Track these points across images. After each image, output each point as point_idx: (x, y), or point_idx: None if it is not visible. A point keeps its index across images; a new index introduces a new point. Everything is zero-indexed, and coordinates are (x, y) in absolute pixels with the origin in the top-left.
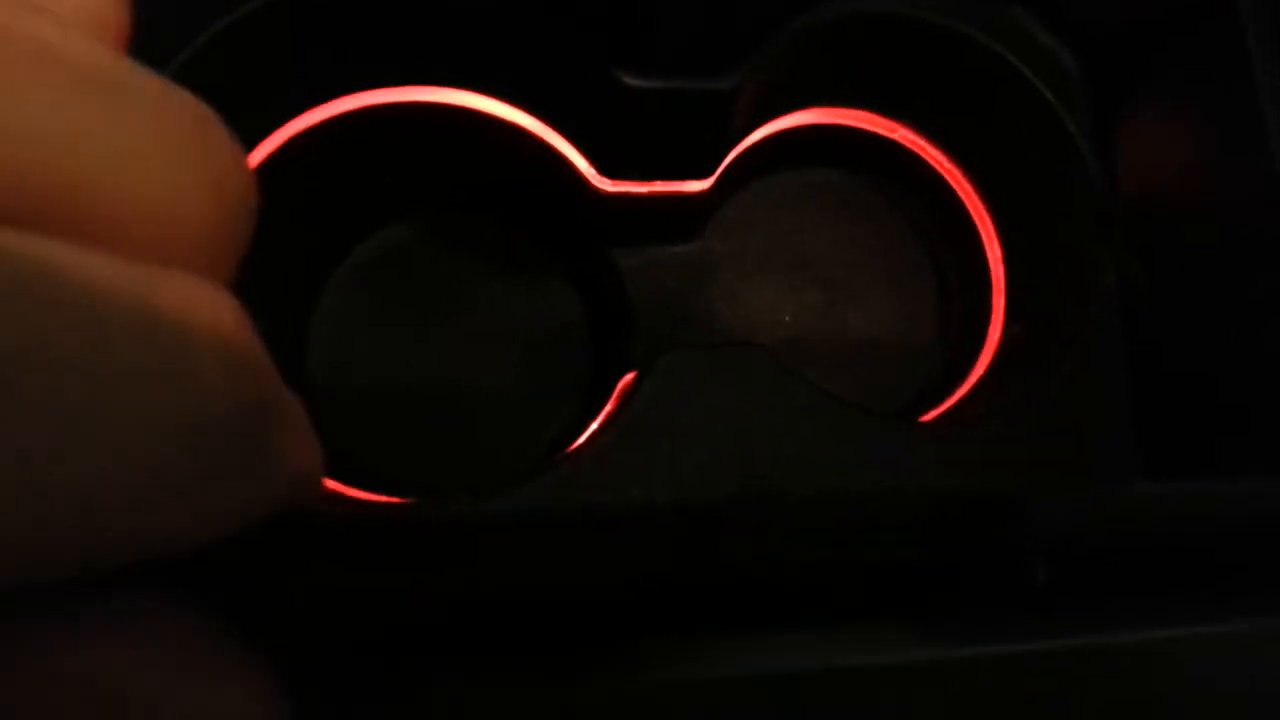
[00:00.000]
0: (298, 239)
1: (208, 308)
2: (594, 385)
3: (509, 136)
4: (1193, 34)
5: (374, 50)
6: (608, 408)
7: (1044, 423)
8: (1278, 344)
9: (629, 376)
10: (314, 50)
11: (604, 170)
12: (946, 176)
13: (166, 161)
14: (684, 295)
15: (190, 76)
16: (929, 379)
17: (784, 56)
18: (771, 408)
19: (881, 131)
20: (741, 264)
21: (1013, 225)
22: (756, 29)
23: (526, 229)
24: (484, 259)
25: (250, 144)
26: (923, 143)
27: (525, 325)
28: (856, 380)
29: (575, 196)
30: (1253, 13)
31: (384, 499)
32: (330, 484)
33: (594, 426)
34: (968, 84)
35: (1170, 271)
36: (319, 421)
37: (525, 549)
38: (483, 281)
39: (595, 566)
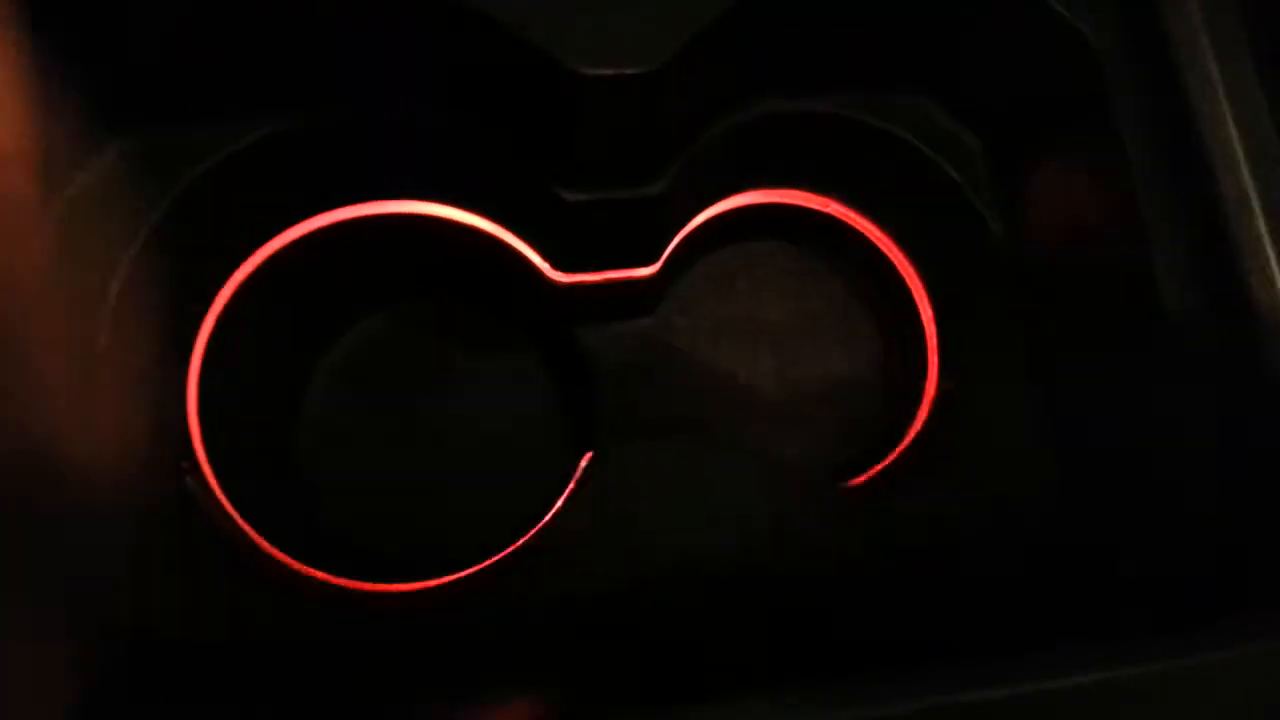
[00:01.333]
0: (288, 334)
1: None
2: (564, 457)
3: (470, 238)
4: (1071, 116)
5: (350, 173)
6: (569, 487)
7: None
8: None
9: (586, 457)
10: (294, 175)
11: (557, 264)
12: (879, 244)
13: None
14: (643, 366)
15: (194, 198)
16: (874, 432)
17: (709, 157)
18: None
19: (816, 206)
20: (696, 333)
21: (938, 288)
22: (680, 136)
23: (496, 314)
24: (458, 343)
25: (244, 257)
26: (854, 215)
27: (498, 401)
28: (808, 435)
29: (534, 286)
30: (1120, 100)
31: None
32: (319, 574)
33: (556, 505)
34: (884, 166)
35: (1067, 310)
36: (310, 499)
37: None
38: (458, 363)
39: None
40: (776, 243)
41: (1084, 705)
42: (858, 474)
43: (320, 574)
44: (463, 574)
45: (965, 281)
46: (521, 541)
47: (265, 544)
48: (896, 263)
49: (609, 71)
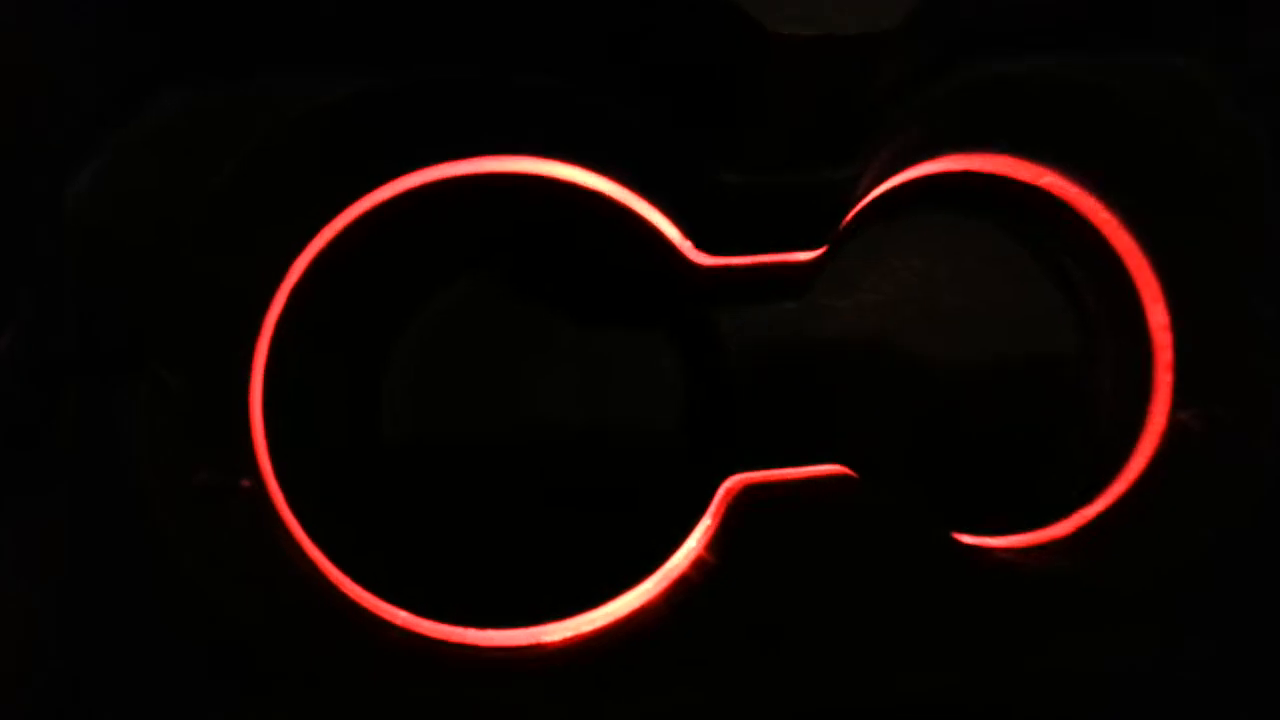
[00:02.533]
0: (373, 311)
1: None
2: (692, 477)
3: (596, 206)
4: None
5: (457, 127)
6: (708, 523)
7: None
8: None
9: (732, 488)
10: (386, 129)
11: (701, 244)
12: (1102, 228)
13: None
14: (790, 363)
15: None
16: (1076, 468)
17: (907, 126)
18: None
19: (1026, 178)
20: (855, 322)
21: (1184, 287)
22: (879, 109)
23: (614, 295)
24: (569, 327)
25: (324, 223)
26: (1074, 191)
27: (615, 403)
28: (986, 469)
29: (668, 267)
30: None
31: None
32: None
33: (693, 543)
34: (1123, 137)
35: None
36: (393, 499)
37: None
38: (567, 352)
39: None
40: (964, 217)
41: None
42: (1056, 516)
43: (403, 615)
44: (566, 623)
45: (1222, 284)
46: (643, 586)
47: (340, 578)
48: (1123, 251)
49: (822, 33)
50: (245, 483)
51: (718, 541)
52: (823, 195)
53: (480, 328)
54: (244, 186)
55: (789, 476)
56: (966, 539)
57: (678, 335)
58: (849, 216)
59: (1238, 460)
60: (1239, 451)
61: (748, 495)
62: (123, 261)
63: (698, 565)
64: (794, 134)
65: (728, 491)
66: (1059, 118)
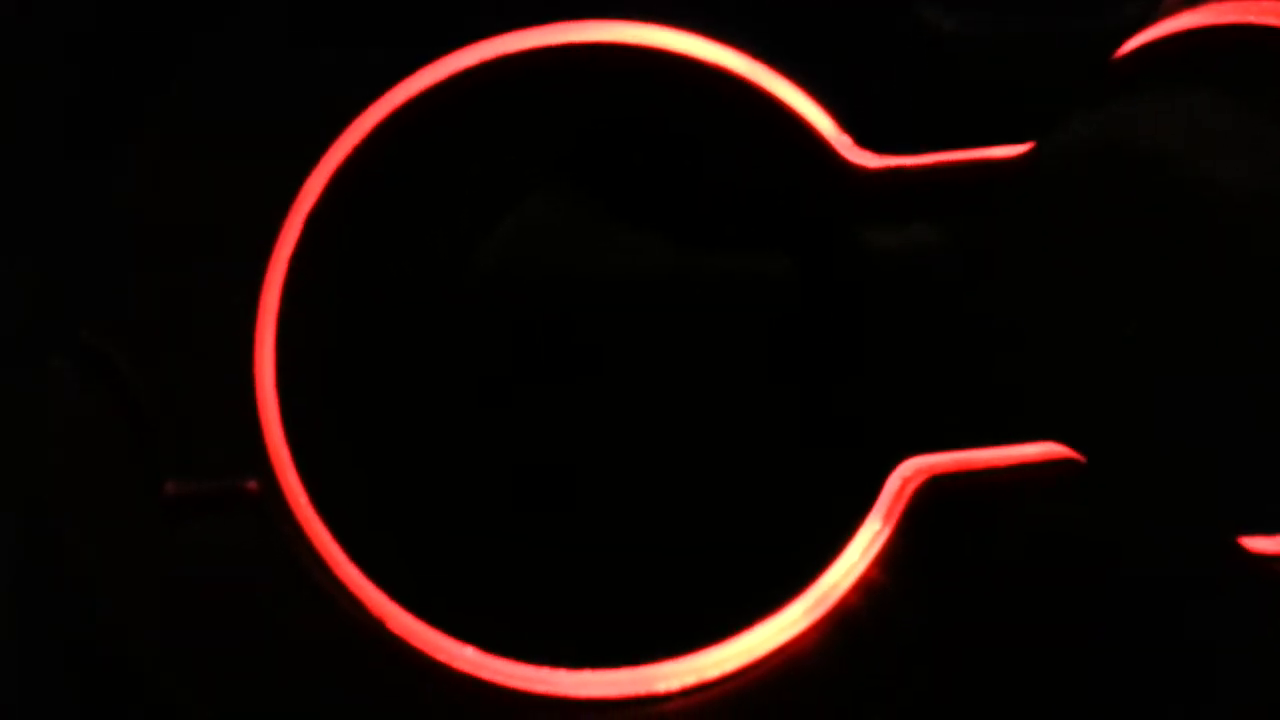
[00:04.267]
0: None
1: None
2: (845, 458)
3: (709, 87)
4: None
5: None
6: (876, 527)
7: None
8: None
9: (910, 478)
10: None
11: (864, 138)
12: None
13: None
14: (976, 303)
15: None
16: None
17: None
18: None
19: None
20: (1068, 243)
21: None
22: None
23: (737, 221)
24: (677, 255)
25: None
26: None
27: (739, 367)
28: (1250, 437)
29: (817, 173)
30: None
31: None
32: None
33: (855, 556)
34: None
35: None
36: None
37: None
38: (673, 292)
39: None
40: (1221, 91)
41: None
42: None
43: (470, 653)
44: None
45: None
46: (786, 614)
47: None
48: None
49: None
50: (250, 485)
51: (892, 553)
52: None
53: (550, 269)
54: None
55: (990, 462)
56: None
57: (822, 267)
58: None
59: None
60: None
61: (934, 489)
62: None
63: (863, 587)
64: None
65: (904, 483)
66: None
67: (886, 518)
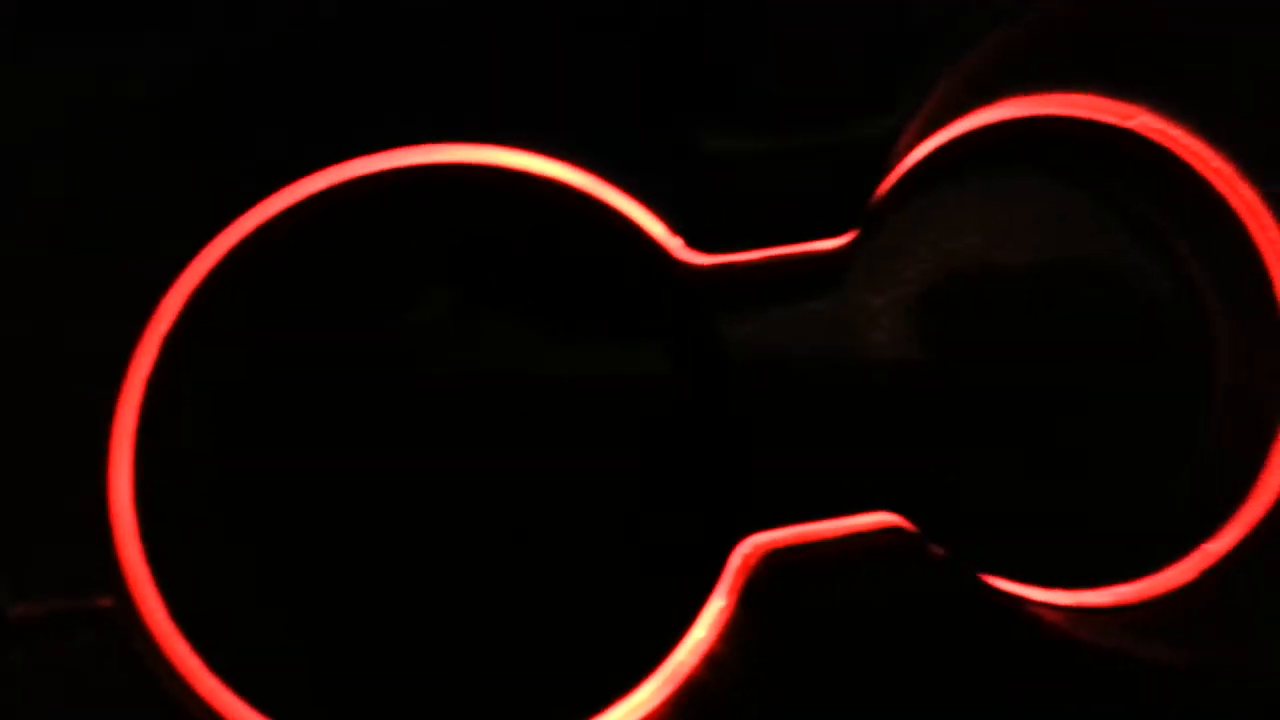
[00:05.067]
0: (277, 351)
1: None
2: (693, 538)
3: (553, 199)
4: None
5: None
6: (721, 603)
7: None
8: None
9: (749, 554)
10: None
11: (694, 240)
12: (1212, 178)
13: None
14: (818, 376)
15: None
16: (1203, 478)
17: (968, 61)
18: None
19: (1112, 120)
20: (902, 317)
21: None
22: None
23: (589, 314)
24: (529, 359)
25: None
26: (1175, 131)
27: (597, 445)
28: (1094, 484)
29: (655, 271)
30: None
31: None
32: None
33: (702, 632)
34: (1246, 59)
35: None
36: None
37: None
38: (527, 392)
39: None
40: (1037, 175)
41: None
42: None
43: None
44: None
45: None
46: (639, 694)
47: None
48: (1242, 207)
49: None
50: (104, 602)
51: (734, 628)
52: (851, 159)
53: (419, 362)
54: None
55: (823, 535)
56: (1076, 599)
57: (669, 358)
58: (885, 188)
59: None
60: None
61: (771, 563)
62: None
63: (710, 661)
64: (803, 69)
65: (744, 560)
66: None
67: (729, 593)
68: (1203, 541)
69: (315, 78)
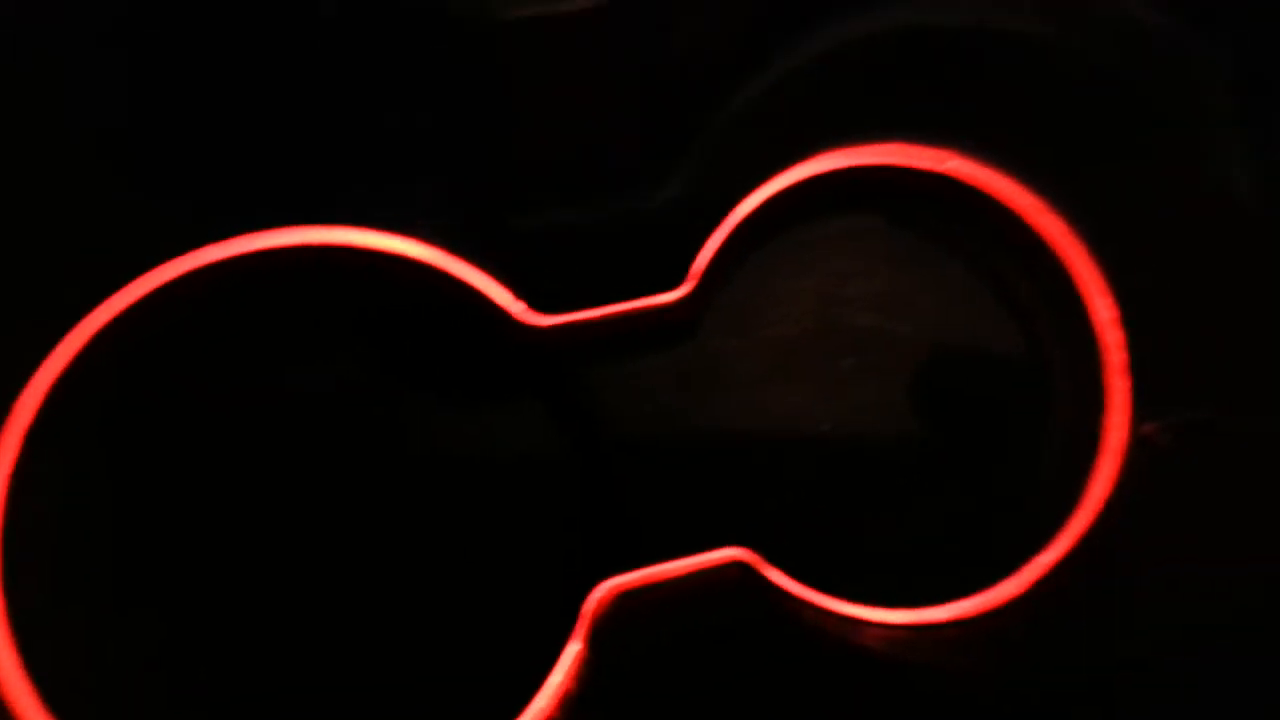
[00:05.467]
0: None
1: None
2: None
3: (401, 274)
4: None
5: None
6: (577, 647)
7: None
8: None
9: (603, 598)
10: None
11: (534, 303)
12: (1024, 215)
13: None
14: (680, 430)
15: None
16: (1035, 497)
17: (760, 119)
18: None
19: (927, 166)
20: (755, 360)
21: (1131, 274)
22: (707, 96)
23: (448, 381)
24: (400, 413)
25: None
26: (986, 174)
27: (463, 501)
28: (935, 506)
29: (503, 334)
30: None
31: None
32: None
33: (560, 676)
34: (1038, 96)
35: None
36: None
37: None
38: (394, 455)
39: None
40: (866, 217)
41: None
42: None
43: None
44: None
45: (1178, 266)
46: None
47: None
48: (1054, 240)
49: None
50: None
51: (588, 670)
52: (648, 224)
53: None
54: None
55: (673, 573)
56: (916, 617)
57: (526, 415)
58: (716, 241)
59: (1217, 477)
60: (1220, 467)
61: (623, 604)
62: None
63: (567, 704)
64: (578, 152)
65: (598, 603)
66: (955, 84)
67: (584, 636)
68: (1034, 555)
69: (170, 163)
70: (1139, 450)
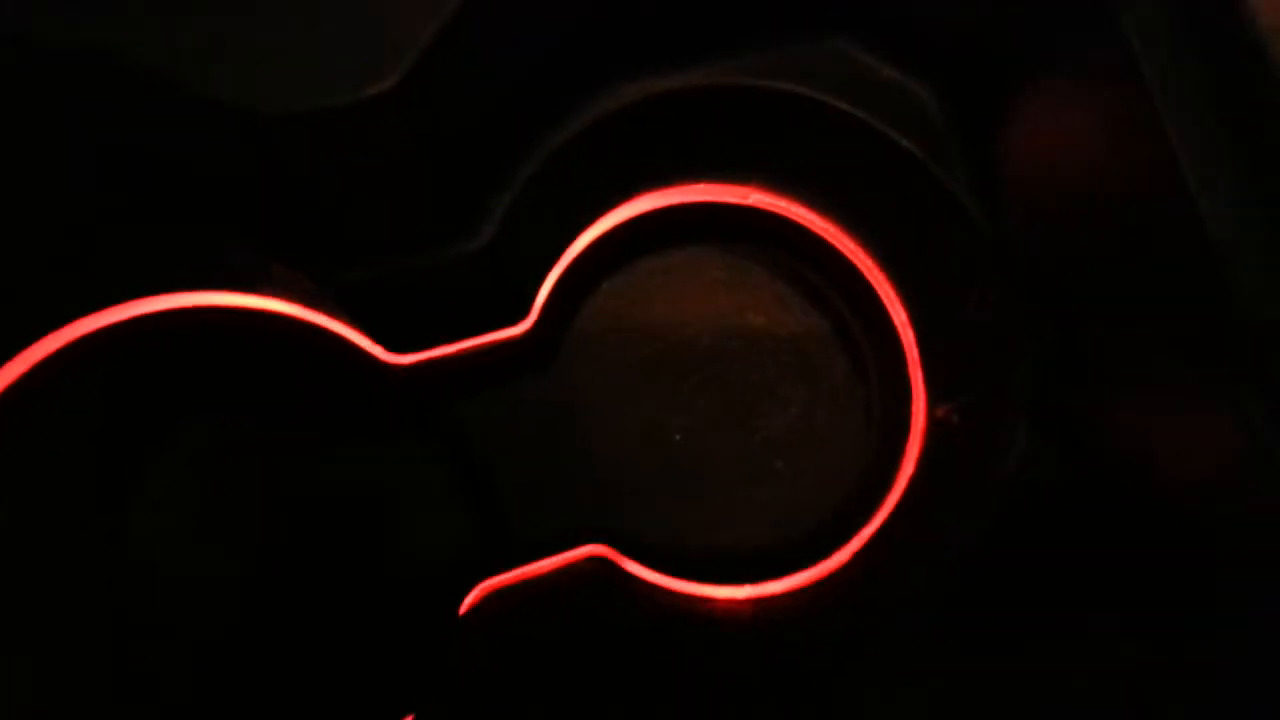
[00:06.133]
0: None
1: None
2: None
3: (271, 327)
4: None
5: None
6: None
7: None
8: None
9: (474, 599)
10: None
11: (390, 345)
12: (823, 235)
13: None
14: (543, 446)
15: None
16: (856, 477)
17: (565, 170)
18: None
19: (733, 200)
20: (609, 384)
21: (910, 282)
22: (498, 155)
23: (323, 425)
24: (296, 459)
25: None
26: (783, 203)
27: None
28: (774, 494)
29: (369, 375)
30: (1137, 21)
31: None
32: None
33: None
34: (809, 137)
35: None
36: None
37: None
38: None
39: None
40: (694, 248)
41: None
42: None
43: None
44: None
45: (943, 273)
46: None
47: None
48: (850, 254)
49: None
50: None
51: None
52: (470, 269)
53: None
54: None
55: (540, 570)
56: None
57: (397, 445)
58: (551, 279)
59: (992, 446)
60: (993, 438)
61: (493, 602)
62: None
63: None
64: (383, 211)
65: (470, 604)
66: (738, 127)
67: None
68: (860, 528)
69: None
70: (934, 428)
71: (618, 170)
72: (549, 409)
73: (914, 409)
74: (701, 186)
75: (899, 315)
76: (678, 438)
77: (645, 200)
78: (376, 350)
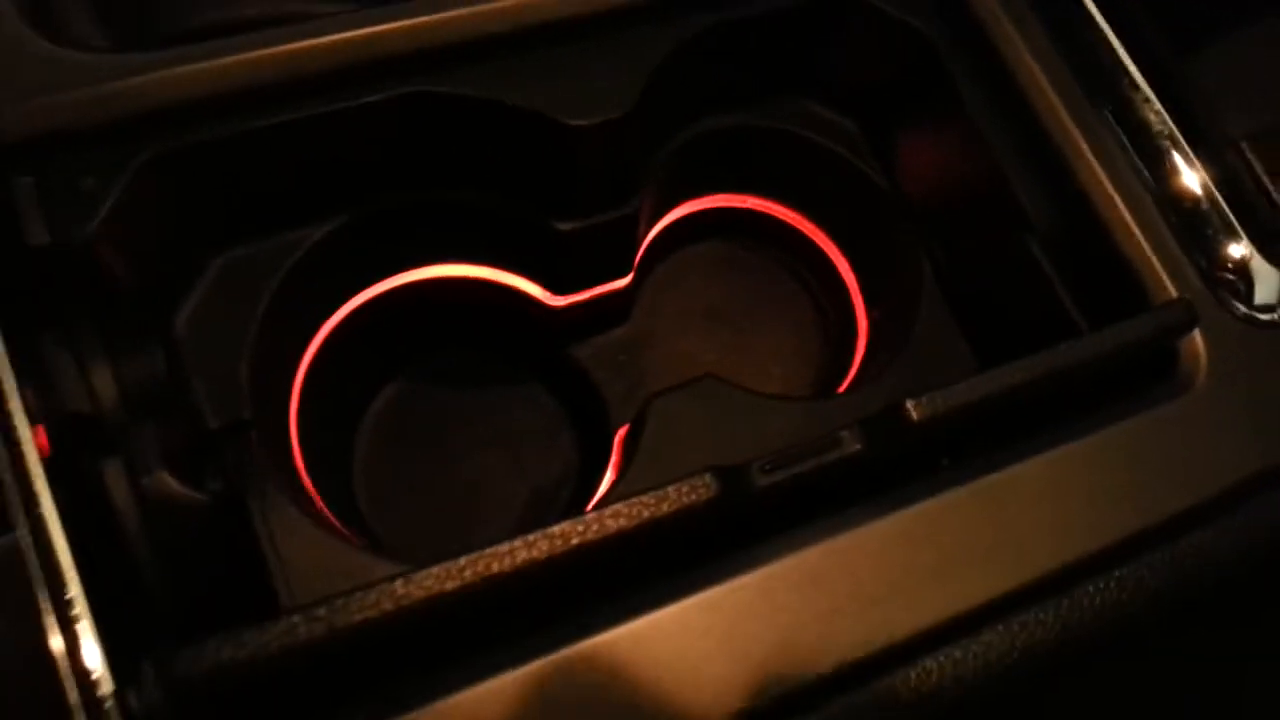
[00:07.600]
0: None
1: None
2: (587, 455)
3: (477, 288)
4: (921, 89)
5: (374, 253)
6: (614, 458)
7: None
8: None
9: (622, 430)
10: (339, 262)
11: (554, 290)
12: (792, 222)
13: None
14: (632, 364)
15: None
16: (826, 370)
17: (659, 176)
18: (733, 413)
19: (737, 204)
20: (667, 329)
21: (849, 243)
22: (640, 162)
23: (504, 354)
24: (477, 386)
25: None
26: (771, 205)
27: (518, 427)
28: (774, 385)
29: (533, 315)
30: (963, 77)
31: None
32: None
33: (608, 478)
34: (785, 158)
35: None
36: (367, 524)
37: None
38: (479, 403)
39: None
40: (712, 242)
41: None
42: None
43: None
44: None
45: (867, 232)
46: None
47: None
48: (813, 236)
49: (595, 120)
50: None
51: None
52: (621, 228)
53: (421, 404)
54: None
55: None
56: None
57: (553, 373)
58: (642, 248)
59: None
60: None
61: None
62: None
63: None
64: (595, 186)
65: (620, 434)
66: (742, 155)
67: (616, 451)
68: (838, 385)
69: None
70: (872, 325)
71: (679, 179)
72: (633, 344)
73: (858, 316)
74: (717, 196)
75: (842, 263)
76: (711, 357)
77: (687, 206)
78: (543, 294)
